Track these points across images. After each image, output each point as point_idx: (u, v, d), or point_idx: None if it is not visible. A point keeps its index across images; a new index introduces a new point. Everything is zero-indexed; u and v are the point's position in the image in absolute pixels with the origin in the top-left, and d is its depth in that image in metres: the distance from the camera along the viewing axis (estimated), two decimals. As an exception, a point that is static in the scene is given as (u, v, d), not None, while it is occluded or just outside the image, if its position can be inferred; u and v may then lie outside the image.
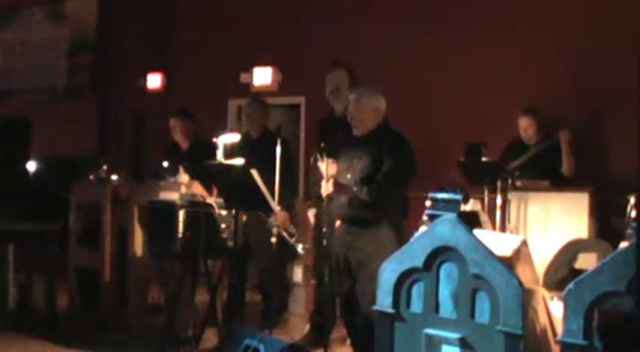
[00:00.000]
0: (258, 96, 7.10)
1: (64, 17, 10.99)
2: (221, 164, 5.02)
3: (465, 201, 3.57)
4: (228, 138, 5.30)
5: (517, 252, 3.73)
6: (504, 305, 3.26)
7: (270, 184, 4.77)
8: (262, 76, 8.45)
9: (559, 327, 3.40)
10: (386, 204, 4.57)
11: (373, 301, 3.75)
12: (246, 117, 6.22)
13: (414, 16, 7.57)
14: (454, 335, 3.42)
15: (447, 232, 3.47)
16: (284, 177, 5.11)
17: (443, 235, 3.48)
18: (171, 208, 5.19)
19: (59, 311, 6.22)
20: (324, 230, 4.72)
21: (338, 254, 4.75)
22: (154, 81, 9.47)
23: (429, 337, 3.50)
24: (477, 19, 7.17)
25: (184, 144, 6.52)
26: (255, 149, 5.73)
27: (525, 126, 6.20)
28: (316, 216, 5.31)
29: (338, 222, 4.74)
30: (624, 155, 6.18)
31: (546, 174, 5.95)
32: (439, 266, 3.51)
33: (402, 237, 4.41)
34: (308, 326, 5.55)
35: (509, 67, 6.91)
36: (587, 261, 4.95)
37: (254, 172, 4.65)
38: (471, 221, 3.63)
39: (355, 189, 4.60)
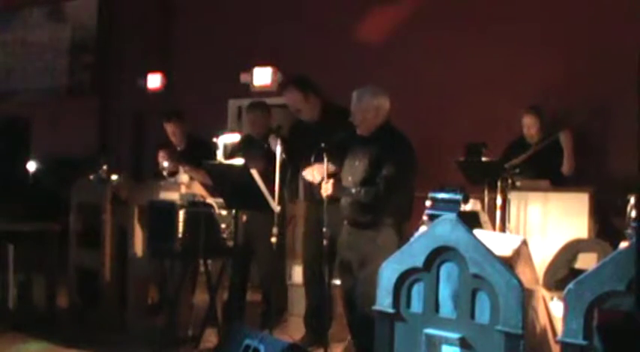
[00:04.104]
0: (258, 100, 7.04)
1: (64, 17, 10.98)
2: (221, 164, 5.01)
3: (465, 201, 3.57)
4: (228, 138, 5.30)
5: (517, 252, 3.74)
6: (504, 305, 3.26)
7: (269, 185, 4.77)
8: (262, 76, 8.44)
9: (559, 327, 3.40)
10: (385, 206, 4.56)
11: (373, 301, 3.76)
12: (249, 122, 6.16)
13: (414, 17, 7.56)
14: (454, 335, 3.42)
15: (447, 232, 3.47)
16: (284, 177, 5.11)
17: (443, 235, 3.48)
18: (171, 208, 5.19)
19: (59, 311, 6.22)
20: (324, 230, 4.72)
21: (341, 254, 4.76)
22: (154, 81, 9.46)
23: (429, 337, 3.50)
24: (477, 19, 7.16)
25: (181, 145, 6.56)
26: (255, 149, 5.72)
27: (529, 124, 6.24)
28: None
29: (345, 222, 4.77)
30: (624, 155, 6.16)
31: (547, 173, 5.96)
32: (439, 266, 3.51)
33: (402, 238, 4.40)
34: (304, 331, 5.54)
35: (509, 67, 6.90)
36: (587, 261, 4.94)
37: (254, 172, 4.65)
38: (471, 221, 3.63)
39: (354, 190, 4.60)
